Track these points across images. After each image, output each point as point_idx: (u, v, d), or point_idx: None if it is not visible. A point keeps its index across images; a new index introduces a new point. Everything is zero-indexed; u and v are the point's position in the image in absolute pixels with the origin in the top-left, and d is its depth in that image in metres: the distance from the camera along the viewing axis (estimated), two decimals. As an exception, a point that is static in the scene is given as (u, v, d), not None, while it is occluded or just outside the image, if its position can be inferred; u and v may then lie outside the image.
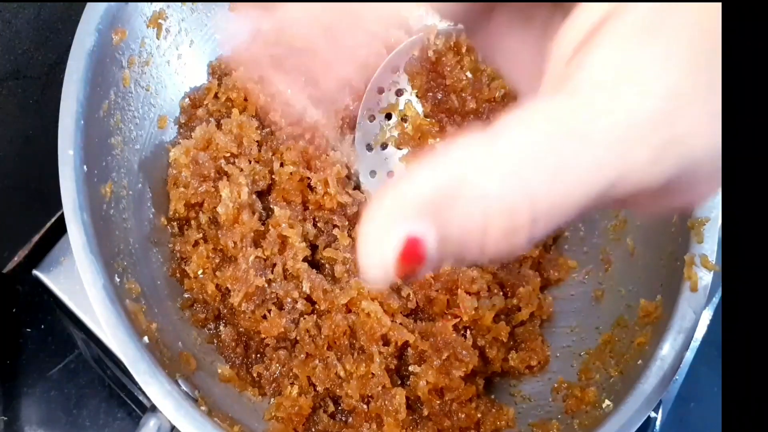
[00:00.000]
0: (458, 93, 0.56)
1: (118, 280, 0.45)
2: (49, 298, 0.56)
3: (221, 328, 0.53)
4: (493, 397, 0.53)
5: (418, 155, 0.57)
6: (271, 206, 0.53)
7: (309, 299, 0.51)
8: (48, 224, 0.63)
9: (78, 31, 0.48)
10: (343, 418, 0.50)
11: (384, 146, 0.59)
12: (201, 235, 0.53)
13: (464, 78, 0.56)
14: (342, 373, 0.48)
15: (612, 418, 0.43)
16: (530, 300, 0.53)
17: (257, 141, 0.54)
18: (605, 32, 0.19)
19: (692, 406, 0.64)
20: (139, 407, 0.60)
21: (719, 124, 0.18)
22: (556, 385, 0.51)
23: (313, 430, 0.49)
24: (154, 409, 0.45)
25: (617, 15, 0.19)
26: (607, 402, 0.46)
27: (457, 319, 0.50)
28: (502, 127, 0.19)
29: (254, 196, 0.53)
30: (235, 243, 0.50)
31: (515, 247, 0.19)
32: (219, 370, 0.50)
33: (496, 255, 0.19)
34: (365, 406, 0.48)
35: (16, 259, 0.63)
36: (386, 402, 0.47)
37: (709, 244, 0.45)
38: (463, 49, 0.56)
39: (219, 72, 0.59)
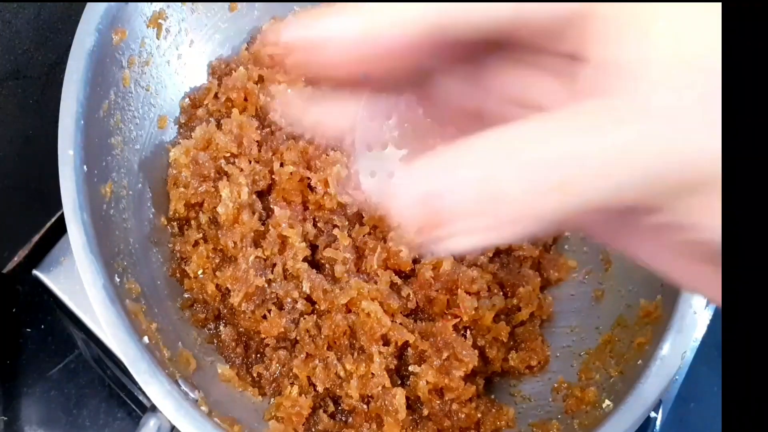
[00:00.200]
0: (458, 93, 0.56)
1: (118, 280, 0.45)
2: (49, 298, 0.56)
3: (221, 328, 0.53)
4: (493, 397, 0.53)
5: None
6: (271, 206, 0.53)
7: (309, 299, 0.51)
8: (48, 224, 0.63)
9: (78, 31, 0.48)
10: (343, 418, 0.50)
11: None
12: (201, 235, 0.53)
13: (464, 78, 0.56)
14: (342, 373, 0.48)
15: (612, 418, 0.43)
16: (530, 300, 0.53)
17: (257, 141, 0.54)
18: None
19: (692, 406, 0.64)
20: (139, 407, 0.60)
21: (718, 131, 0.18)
22: (556, 385, 0.51)
23: (313, 430, 0.49)
24: (154, 409, 0.45)
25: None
26: (607, 402, 0.46)
27: (457, 319, 0.50)
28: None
29: (254, 196, 0.53)
30: (235, 243, 0.51)
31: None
32: (219, 370, 0.50)
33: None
34: (365, 406, 0.48)
35: (16, 259, 0.63)
36: (386, 402, 0.47)
37: (709, 244, 0.45)
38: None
39: (219, 72, 0.60)
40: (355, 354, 0.49)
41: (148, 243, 0.53)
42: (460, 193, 0.19)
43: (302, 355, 0.49)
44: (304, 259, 0.51)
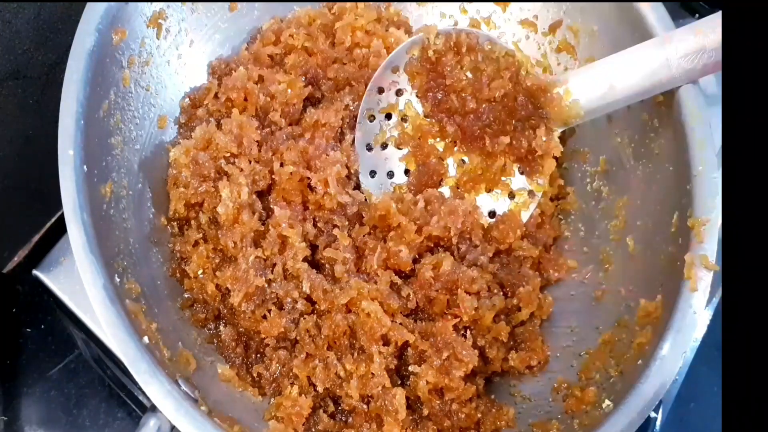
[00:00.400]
0: (458, 93, 0.56)
1: (118, 280, 0.45)
2: (49, 298, 0.56)
3: (221, 328, 0.53)
4: (493, 397, 0.53)
5: (418, 155, 0.57)
6: (271, 206, 0.53)
7: (309, 299, 0.51)
8: (48, 224, 0.63)
9: (78, 31, 0.48)
10: (343, 418, 0.50)
11: (384, 146, 0.59)
12: (201, 235, 0.53)
13: (464, 78, 0.56)
14: (342, 373, 0.48)
15: (612, 418, 0.43)
16: (530, 300, 0.53)
17: (257, 141, 0.54)
18: None
19: (692, 406, 0.64)
20: (139, 407, 0.60)
21: None
22: (556, 385, 0.51)
23: (313, 430, 0.49)
24: (154, 409, 0.45)
25: None
26: (607, 402, 0.45)
27: (457, 319, 0.50)
28: None
29: (254, 196, 0.53)
30: (235, 243, 0.50)
31: None
32: (219, 370, 0.50)
33: None
34: (365, 406, 0.48)
35: (16, 259, 0.63)
36: (386, 402, 0.47)
37: (709, 244, 0.45)
38: (463, 49, 0.56)
39: (219, 72, 0.60)
40: (355, 354, 0.49)
41: (148, 243, 0.53)
42: None
43: (302, 355, 0.49)
44: (304, 259, 0.51)
